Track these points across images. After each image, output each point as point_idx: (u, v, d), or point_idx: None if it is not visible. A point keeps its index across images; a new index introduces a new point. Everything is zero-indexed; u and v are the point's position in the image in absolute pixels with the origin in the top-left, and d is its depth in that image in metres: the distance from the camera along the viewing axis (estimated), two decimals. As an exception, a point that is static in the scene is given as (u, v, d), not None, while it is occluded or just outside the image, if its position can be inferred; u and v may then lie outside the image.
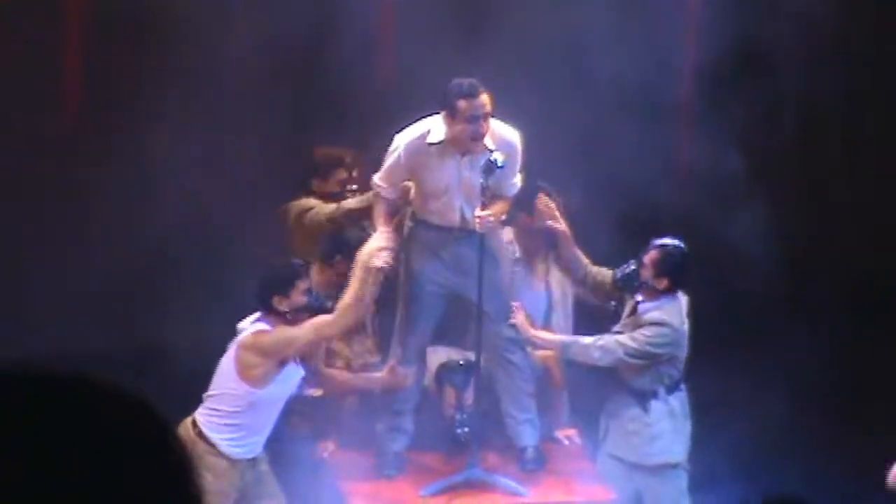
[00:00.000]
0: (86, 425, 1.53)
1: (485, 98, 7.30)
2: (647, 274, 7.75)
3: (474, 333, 7.65)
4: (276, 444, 7.49)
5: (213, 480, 7.02)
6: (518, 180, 7.67)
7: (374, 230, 7.62)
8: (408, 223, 7.75)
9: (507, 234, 8.10)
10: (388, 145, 7.58)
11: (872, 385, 9.47)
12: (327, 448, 7.96)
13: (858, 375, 9.52)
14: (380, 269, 7.35)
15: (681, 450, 7.78)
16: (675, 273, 7.71)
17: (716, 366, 8.05)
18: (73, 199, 9.53)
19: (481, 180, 7.32)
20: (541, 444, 8.01)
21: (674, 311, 7.69)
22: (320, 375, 7.65)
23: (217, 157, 9.38)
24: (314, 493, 7.70)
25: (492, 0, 9.70)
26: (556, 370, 8.30)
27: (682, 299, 7.77)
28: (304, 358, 7.41)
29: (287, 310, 7.21)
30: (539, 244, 8.24)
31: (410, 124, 7.55)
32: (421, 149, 7.44)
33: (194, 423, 7.20)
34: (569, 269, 8.16)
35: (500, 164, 7.28)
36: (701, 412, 7.87)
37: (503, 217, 7.72)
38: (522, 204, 7.94)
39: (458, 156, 7.44)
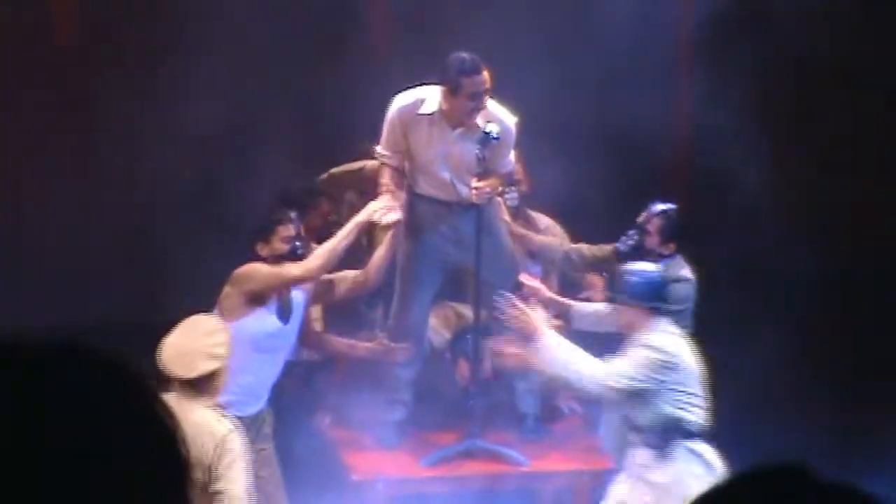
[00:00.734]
0: (70, 394, 1.53)
1: (485, 74, 7.29)
2: (653, 242, 7.69)
3: (472, 305, 7.63)
4: (276, 417, 7.47)
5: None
6: (513, 158, 7.68)
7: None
8: (406, 197, 7.72)
9: (502, 208, 8.03)
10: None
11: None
12: (326, 419, 7.93)
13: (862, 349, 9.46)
14: (366, 226, 7.39)
15: None
16: (679, 235, 7.68)
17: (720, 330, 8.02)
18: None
19: (476, 151, 7.29)
20: (541, 413, 7.99)
21: (684, 268, 7.64)
22: (315, 338, 7.68)
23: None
24: (314, 464, 7.68)
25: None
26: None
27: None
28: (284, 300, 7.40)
29: (267, 255, 7.26)
30: None
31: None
32: (412, 117, 7.45)
33: None
34: (544, 256, 8.10)
35: (495, 136, 7.27)
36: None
37: (498, 190, 7.70)
38: None
39: (448, 128, 7.43)
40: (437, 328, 8.19)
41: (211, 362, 6.32)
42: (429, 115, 7.40)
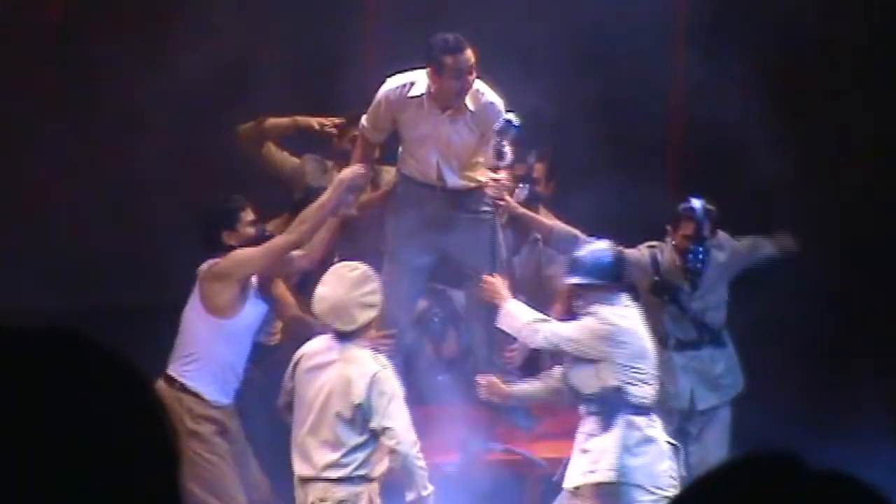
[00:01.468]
0: (62, 381, 1.52)
1: (469, 53, 7.32)
2: (710, 241, 7.92)
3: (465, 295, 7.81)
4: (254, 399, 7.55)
5: (210, 427, 7.22)
6: (509, 151, 7.65)
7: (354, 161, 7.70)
8: (392, 179, 7.84)
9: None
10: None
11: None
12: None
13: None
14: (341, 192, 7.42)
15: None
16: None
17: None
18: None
19: (495, 141, 7.43)
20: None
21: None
22: (287, 316, 7.73)
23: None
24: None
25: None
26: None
27: None
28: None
29: (236, 243, 7.32)
30: None
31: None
32: (402, 100, 7.51)
33: (171, 380, 7.25)
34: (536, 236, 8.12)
35: (516, 124, 7.38)
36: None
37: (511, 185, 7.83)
38: None
39: (438, 111, 7.49)
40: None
41: (368, 311, 6.72)
42: (417, 97, 7.45)
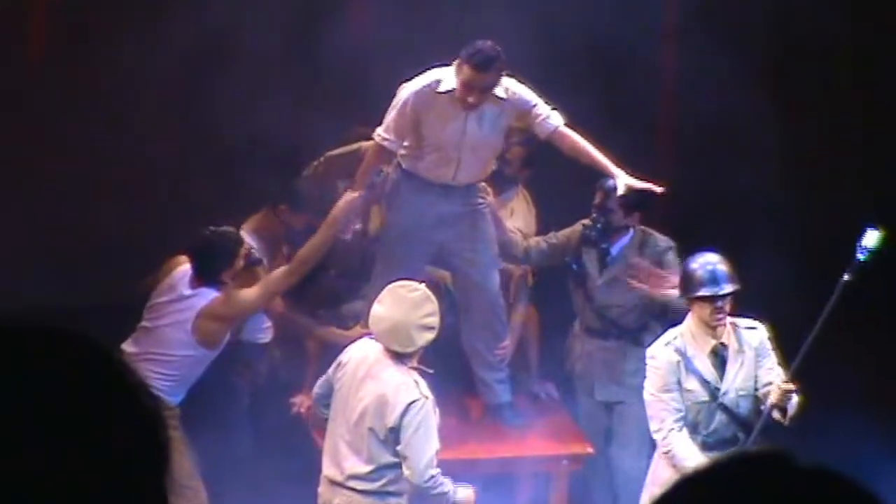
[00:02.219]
0: (53, 378, 1.53)
1: (490, 77, 7.27)
2: (618, 218, 7.77)
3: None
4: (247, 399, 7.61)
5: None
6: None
7: (356, 182, 7.61)
8: (392, 175, 7.70)
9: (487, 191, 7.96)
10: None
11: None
12: (303, 403, 7.88)
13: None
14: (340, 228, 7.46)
15: None
16: (642, 204, 7.70)
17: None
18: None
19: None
20: (515, 400, 8.02)
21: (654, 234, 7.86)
22: (281, 318, 7.81)
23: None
24: (287, 448, 7.66)
25: None
26: (532, 325, 8.31)
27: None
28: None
29: (230, 279, 7.41)
30: None
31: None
32: (430, 97, 7.41)
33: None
34: (504, 253, 8.00)
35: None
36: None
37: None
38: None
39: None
40: None
41: (427, 334, 6.66)
42: (448, 91, 7.35)
